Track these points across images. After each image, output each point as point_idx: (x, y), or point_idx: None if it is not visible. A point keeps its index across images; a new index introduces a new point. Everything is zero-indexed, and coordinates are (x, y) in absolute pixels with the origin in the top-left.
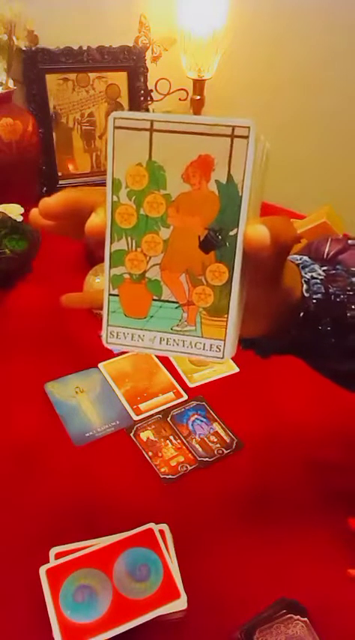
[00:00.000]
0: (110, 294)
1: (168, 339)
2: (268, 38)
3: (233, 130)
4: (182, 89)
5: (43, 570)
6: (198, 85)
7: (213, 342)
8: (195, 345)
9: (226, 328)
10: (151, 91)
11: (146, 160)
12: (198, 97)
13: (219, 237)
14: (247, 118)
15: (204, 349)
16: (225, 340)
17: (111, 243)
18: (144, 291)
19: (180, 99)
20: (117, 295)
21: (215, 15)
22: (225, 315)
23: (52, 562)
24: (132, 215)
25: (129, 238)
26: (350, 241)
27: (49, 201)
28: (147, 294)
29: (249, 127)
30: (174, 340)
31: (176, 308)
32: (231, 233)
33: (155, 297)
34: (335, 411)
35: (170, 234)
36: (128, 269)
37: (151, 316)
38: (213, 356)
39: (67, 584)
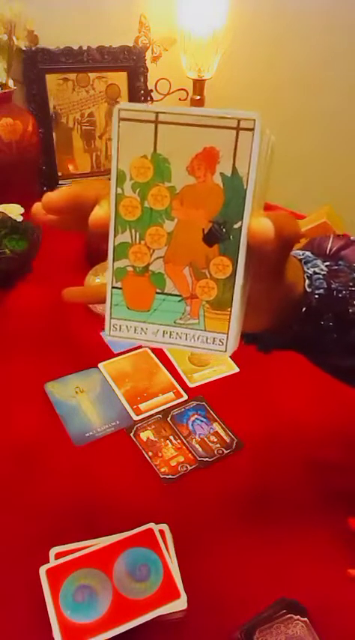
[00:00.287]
0: (113, 287)
1: (171, 332)
2: (268, 38)
3: (238, 122)
4: (182, 89)
5: (43, 570)
6: (198, 85)
7: (216, 335)
8: (198, 339)
9: (229, 321)
10: (151, 91)
11: (151, 152)
12: (198, 97)
13: (223, 230)
14: (252, 111)
15: (206, 342)
16: (228, 333)
17: (115, 235)
18: (148, 284)
19: (180, 99)
20: (120, 288)
21: (215, 15)
22: (229, 309)
23: (52, 562)
24: (137, 207)
25: (133, 231)
26: (352, 237)
27: (52, 196)
28: (151, 287)
29: (254, 120)
30: (176, 333)
31: (179, 301)
32: (235, 226)
33: (158, 290)
34: (335, 411)
35: (174, 227)
36: (131, 262)
37: (154, 309)
38: (215, 349)
39: (67, 584)
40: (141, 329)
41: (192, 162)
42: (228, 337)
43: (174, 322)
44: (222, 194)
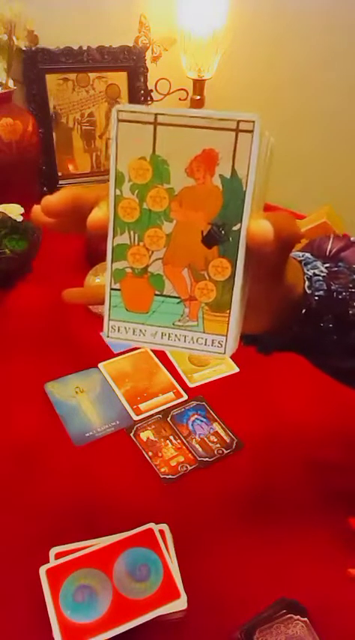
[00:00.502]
0: (112, 289)
1: (169, 334)
2: (268, 38)
3: (238, 124)
4: (182, 89)
5: (43, 570)
6: (198, 85)
7: (214, 337)
8: (197, 341)
9: (228, 324)
10: (151, 91)
11: (150, 153)
12: (198, 97)
13: (222, 232)
14: (252, 113)
15: (205, 344)
16: (226, 336)
17: (113, 237)
18: (147, 285)
19: (180, 99)
20: (119, 290)
21: (215, 15)
22: (227, 311)
23: (52, 562)
24: (135, 209)
25: (131, 232)
26: (352, 238)
27: (51, 199)
28: (150, 289)
29: (253, 122)
30: (175, 335)
31: (178, 303)
32: (234, 228)
33: (157, 292)
34: (335, 411)
35: (173, 229)
36: (130, 263)
37: (153, 311)
38: (214, 351)
39: (67, 584)
40: (140, 331)
41: (191, 163)
42: (226, 339)
43: (173, 324)
44: (221, 196)
